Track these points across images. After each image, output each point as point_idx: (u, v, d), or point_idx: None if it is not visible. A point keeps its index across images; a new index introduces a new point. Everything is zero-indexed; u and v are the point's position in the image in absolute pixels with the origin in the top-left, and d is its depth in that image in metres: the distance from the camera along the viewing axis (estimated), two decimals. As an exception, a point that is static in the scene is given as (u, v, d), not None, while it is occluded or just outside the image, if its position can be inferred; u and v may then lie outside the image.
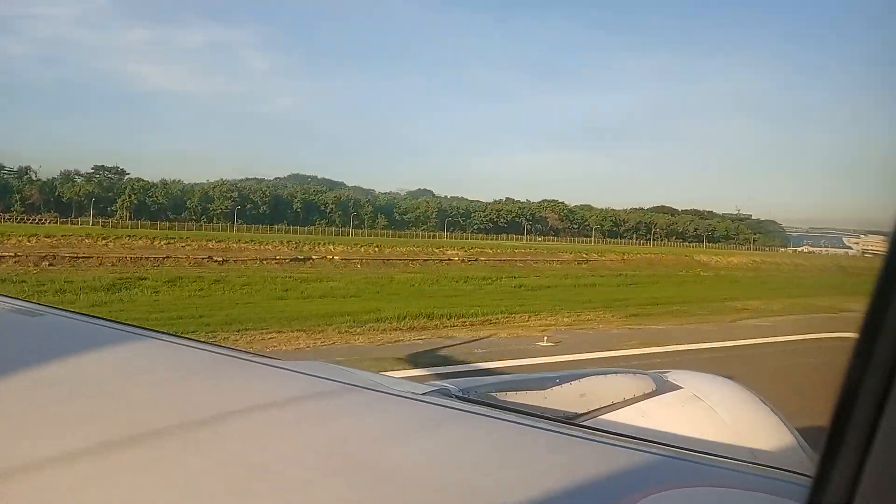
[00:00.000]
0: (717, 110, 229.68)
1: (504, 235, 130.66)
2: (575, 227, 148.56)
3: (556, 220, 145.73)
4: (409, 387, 1.81)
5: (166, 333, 2.29)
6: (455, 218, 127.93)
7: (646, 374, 2.65)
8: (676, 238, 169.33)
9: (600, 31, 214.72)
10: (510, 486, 1.18)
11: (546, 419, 1.84)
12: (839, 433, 0.62)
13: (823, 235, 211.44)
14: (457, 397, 1.90)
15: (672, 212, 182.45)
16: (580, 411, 2.28)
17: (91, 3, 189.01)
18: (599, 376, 2.55)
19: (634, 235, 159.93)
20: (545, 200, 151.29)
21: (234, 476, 1.10)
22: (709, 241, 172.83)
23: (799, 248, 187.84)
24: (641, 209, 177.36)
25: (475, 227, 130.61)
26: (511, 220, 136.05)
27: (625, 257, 67.20)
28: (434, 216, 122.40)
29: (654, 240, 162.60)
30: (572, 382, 2.40)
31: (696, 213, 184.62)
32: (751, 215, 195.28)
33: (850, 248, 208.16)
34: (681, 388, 2.56)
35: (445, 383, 2.07)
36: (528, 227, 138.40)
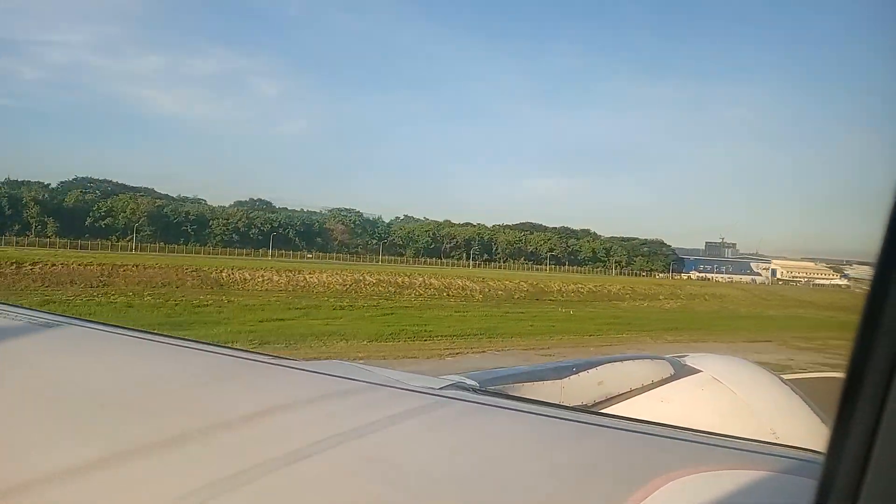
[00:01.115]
0: (692, 138, 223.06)
1: (263, 250, 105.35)
2: (374, 241, 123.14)
3: (342, 233, 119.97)
4: (427, 382, 1.83)
5: (183, 339, 2.36)
6: (184, 226, 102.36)
7: (663, 359, 2.67)
8: (526, 259, 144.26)
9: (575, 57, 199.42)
10: (532, 477, 1.18)
11: (565, 408, 1.88)
12: (849, 410, 0.61)
13: (732, 261, 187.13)
14: (475, 390, 1.89)
15: (541, 229, 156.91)
16: (599, 399, 2.32)
17: (104, 30, 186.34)
18: (616, 363, 2.58)
19: (465, 255, 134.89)
20: (335, 209, 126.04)
21: (261, 475, 1.11)
22: (571, 264, 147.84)
23: (686, 274, 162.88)
24: (501, 225, 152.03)
25: (216, 238, 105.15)
26: (268, 230, 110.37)
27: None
28: (144, 221, 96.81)
29: (496, 261, 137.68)
30: (589, 371, 2.44)
31: (565, 230, 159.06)
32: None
33: (758, 273, 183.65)
34: (700, 371, 2.57)
35: (463, 377, 2.09)
36: (298, 241, 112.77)
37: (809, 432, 2.16)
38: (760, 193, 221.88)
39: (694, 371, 2.55)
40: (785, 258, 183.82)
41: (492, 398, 1.78)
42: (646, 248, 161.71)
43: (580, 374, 2.38)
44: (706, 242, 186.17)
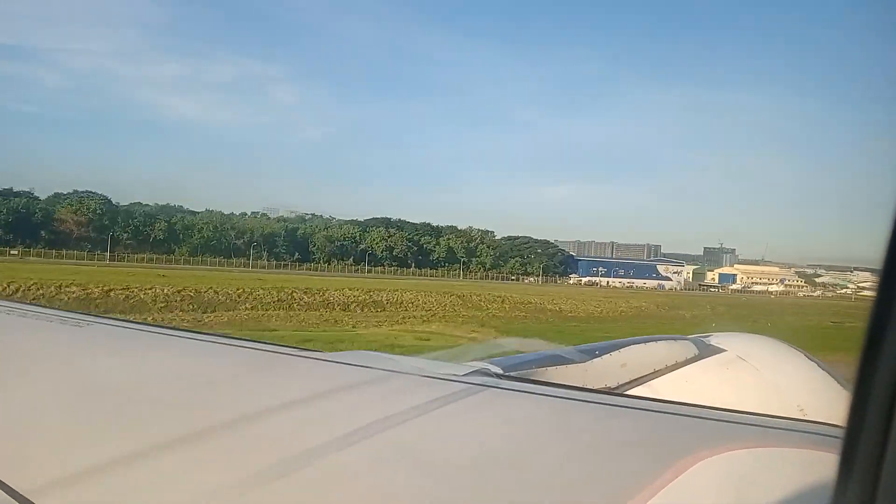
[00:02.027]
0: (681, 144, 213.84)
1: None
2: (126, 235, 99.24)
3: (75, 224, 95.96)
4: (451, 369, 1.84)
5: (204, 333, 2.46)
6: None
7: (686, 340, 2.70)
8: (356, 260, 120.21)
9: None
10: (560, 460, 1.19)
11: (590, 391, 1.89)
12: (868, 381, 0.60)
13: (636, 264, 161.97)
14: (499, 376, 1.90)
15: (398, 225, 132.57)
16: (623, 381, 2.36)
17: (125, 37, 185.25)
18: (639, 345, 2.59)
19: (267, 253, 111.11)
20: (74, 192, 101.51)
21: (291, 468, 1.12)
22: (421, 266, 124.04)
23: (571, 278, 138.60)
24: (356, 221, 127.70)
25: None
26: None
27: None
28: None
29: (314, 261, 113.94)
30: (613, 353, 2.46)
31: (428, 227, 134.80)
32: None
33: (667, 278, 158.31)
34: (724, 350, 2.60)
35: (486, 363, 2.10)
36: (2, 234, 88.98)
37: (838, 407, 2.09)
38: (764, 199, 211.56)
39: (719, 350, 2.57)
40: (747, 263, 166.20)
41: (516, 383, 1.78)
42: (529, 250, 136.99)
43: (603, 356, 2.39)
44: (704, 248, 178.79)
